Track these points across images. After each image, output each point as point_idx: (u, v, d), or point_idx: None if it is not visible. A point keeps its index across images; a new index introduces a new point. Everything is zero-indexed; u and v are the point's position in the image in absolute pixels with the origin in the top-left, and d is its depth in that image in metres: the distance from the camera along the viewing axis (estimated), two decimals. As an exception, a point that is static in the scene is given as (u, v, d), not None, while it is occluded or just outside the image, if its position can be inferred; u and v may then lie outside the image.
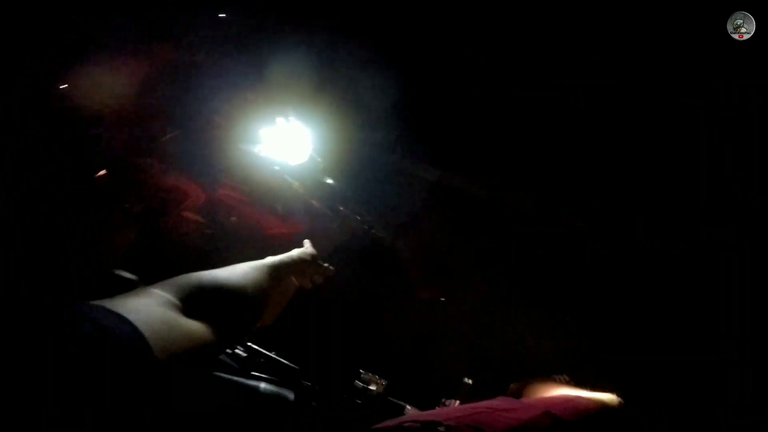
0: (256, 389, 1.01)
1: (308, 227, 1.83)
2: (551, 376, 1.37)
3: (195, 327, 0.55)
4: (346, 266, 1.62)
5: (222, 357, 1.06)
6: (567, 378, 1.32)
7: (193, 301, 0.58)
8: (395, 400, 1.44)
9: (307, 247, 0.94)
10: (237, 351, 1.11)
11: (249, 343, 1.15)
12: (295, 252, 0.90)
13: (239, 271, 0.69)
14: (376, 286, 1.84)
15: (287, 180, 1.76)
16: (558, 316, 1.91)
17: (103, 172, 1.89)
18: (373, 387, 1.36)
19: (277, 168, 1.77)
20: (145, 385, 0.43)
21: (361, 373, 1.39)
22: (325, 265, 0.97)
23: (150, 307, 0.52)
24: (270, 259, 0.80)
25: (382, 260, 1.95)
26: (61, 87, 1.81)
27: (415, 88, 2.71)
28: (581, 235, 2.02)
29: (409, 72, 2.63)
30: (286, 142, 1.88)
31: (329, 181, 1.82)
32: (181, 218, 2.08)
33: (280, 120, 1.85)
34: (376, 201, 2.26)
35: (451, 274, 2.05)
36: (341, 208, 1.79)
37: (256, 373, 1.07)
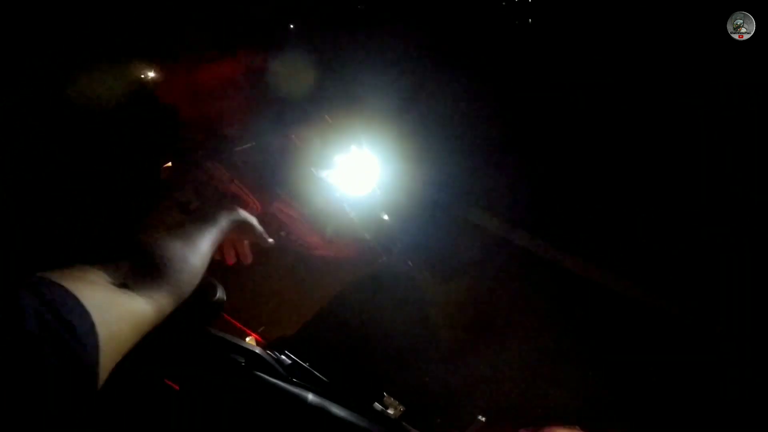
0: (304, 400, 1.01)
1: (354, 255, 1.89)
2: (563, 424, 1.36)
3: (139, 303, 0.57)
4: (390, 306, 1.65)
5: (268, 359, 1.06)
6: (579, 429, 1.30)
7: (135, 276, 0.59)
8: (408, 427, 1.44)
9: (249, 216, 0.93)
10: (282, 357, 1.11)
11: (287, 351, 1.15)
12: (244, 215, 0.88)
13: (178, 241, 0.70)
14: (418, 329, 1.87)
15: (344, 208, 1.82)
16: (583, 371, 1.92)
17: (168, 164, 1.97)
18: (391, 411, 1.35)
19: (337, 195, 1.84)
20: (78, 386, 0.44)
21: (384, 395, 1.38)
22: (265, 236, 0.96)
23: (102, 291, 0.53)
24: (215, 226, 0.81)
25: (424, 303, 1.98)
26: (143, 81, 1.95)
27: (502, 140, 2.77)
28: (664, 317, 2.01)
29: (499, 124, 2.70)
30: (354, 171, 1.94)
31: (385, 217, 1.86)
32: None
33: (354, 148, 1.92)
34: (434, 246, 2.27)
35: (492, 324, 2.07)
36: (392, 247, 1.82)
37: (298, 381, 1.07)
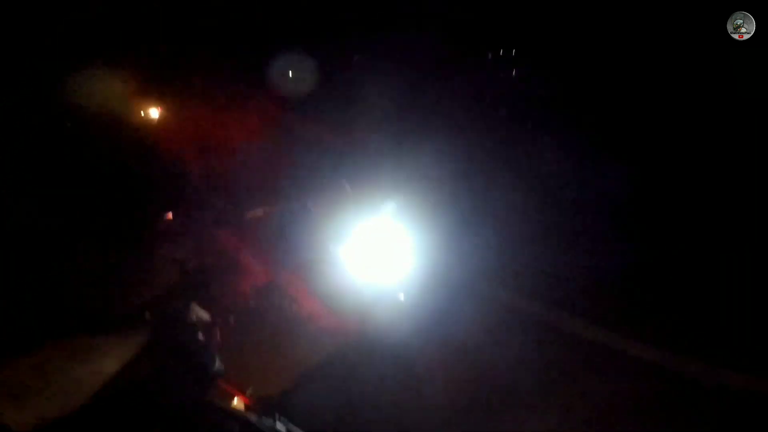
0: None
1: (355, 328, 1.80)
2: None
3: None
4: (384, 376, 1.59)
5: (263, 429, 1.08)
6: None
7: None
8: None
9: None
10: (277, 424, 1.13)
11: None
12: None
13: None
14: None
15: (356, 285, 1.69)
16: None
17: (169, 215, 1.95)
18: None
19: (350, 272, 1.70)
20: None
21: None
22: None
23: None
24: None
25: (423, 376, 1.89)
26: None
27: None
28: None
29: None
30: (373, 246, 1.78)
31: (401, 296, 1.75)
32: (229, 290, 2.01)
33: (375, 220, 1.76)
34: (448, 320, 2.12)
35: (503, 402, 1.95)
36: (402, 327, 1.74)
37: None
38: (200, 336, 0.99)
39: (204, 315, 1.01)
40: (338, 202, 1.72)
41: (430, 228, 2.09)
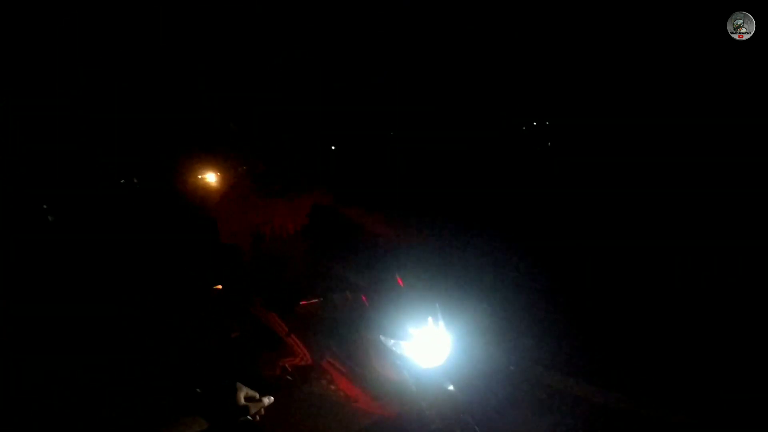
0: None
1: (395, 416, 1.81)
2: None
3: None
4: None
5: None
6: None
7: None
8: None
9: None
10: None
11: None
12: None
13: None
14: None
15: (407, 378, 1.71)
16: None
17: (218, 286, 1.97)
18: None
19: (403, 365, 1.72)
20: None
21: None
22: None
23: None
24: None
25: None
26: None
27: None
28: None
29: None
30: (426, 343, 1.78)
31: (451, 387, 1.78)
32: (272, 367, 2.10)
33: (429, 320, 1.80)
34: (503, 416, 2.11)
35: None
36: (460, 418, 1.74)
37: None
38: (251, 416, 0.98)
39: (253, 393, 1.00)
40: (392, 298, 1.76)
41: (468, 321, 2.17)
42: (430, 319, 1.79)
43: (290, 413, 1.96)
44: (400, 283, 1.89)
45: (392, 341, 1.75)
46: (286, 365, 2.07)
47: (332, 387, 1.98)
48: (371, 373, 1.76)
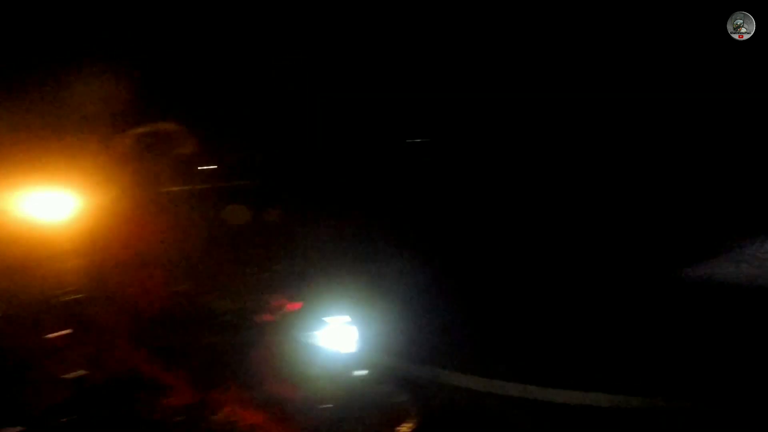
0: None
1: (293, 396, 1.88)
2: None
3: None
4: None
5: None
6: None
7: None
8: None
9: None
10: None
11: None
12: None
13: None
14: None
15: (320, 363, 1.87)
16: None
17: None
18: None
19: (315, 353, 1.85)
20: None
21: None
22: None
23: None
24: None
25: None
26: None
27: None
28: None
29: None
30: (336, 333, 1.95)
31: (364, 372, 1.93)
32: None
33: (335, 314, 1.96)
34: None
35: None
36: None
37: None
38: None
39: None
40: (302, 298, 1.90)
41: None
42: (340, 308, 1.93)
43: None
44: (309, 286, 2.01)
45: (307, 334, 1.84)
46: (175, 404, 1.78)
47: (232, 419, 1.82)
48: (291, 365, 1.85)
